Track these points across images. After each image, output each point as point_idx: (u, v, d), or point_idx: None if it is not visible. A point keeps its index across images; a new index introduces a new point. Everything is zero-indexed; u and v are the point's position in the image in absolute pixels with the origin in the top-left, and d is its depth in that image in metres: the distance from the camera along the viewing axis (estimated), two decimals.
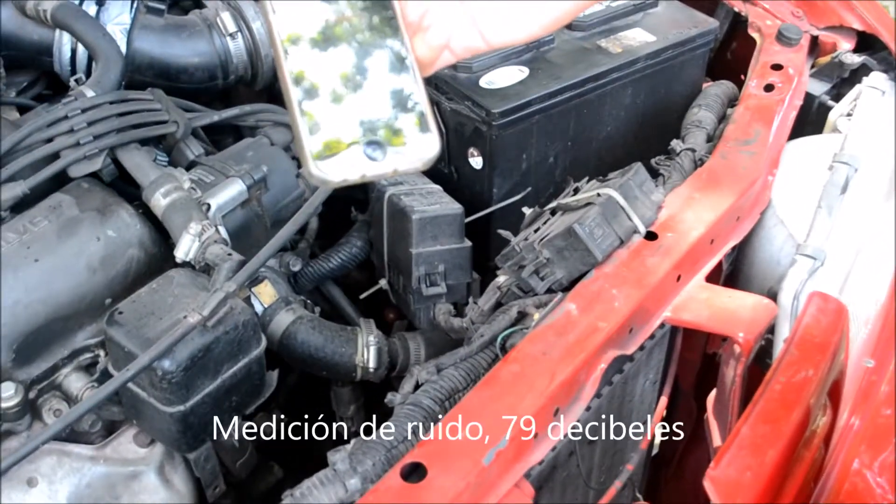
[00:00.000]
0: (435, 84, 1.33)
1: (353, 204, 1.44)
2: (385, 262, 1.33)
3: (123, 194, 1.13)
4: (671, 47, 1.37)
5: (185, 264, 1.05)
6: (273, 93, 1.52)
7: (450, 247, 1.24)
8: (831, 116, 1.38)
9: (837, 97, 1.42)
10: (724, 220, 1.13)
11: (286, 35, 0.59)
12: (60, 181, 1.11)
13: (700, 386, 1.38)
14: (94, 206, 1.08)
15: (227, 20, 1.39)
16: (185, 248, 1.04)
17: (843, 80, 1.43)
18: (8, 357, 0.97)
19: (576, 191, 1.17)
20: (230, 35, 1.39)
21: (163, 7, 1.40)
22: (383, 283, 1.35)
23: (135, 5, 1.38)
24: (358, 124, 0.58)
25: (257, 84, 1.46)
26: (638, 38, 1.38)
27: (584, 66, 1.32)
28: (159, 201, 1.08)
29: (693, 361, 1.32)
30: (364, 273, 1.44)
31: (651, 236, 1.09)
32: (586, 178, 1.18)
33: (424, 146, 0.59)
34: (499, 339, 1.02)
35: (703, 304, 1.07)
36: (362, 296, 1.36)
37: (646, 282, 1.04)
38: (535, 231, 1.11)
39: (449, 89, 1.31)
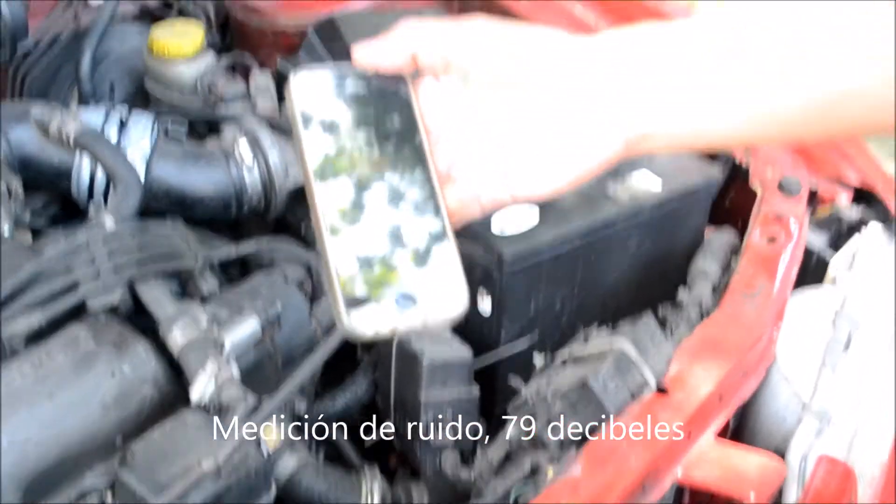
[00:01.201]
0: None
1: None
2: (391, 406, 1.33)
3: (137, 327, 1.13)
4: (677, 197, 1.41)
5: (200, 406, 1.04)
6: (281, 224, 1.54)
7: (459, 393, 1.24)
8: (830, 269, 1.41)
9: (835, 248, 1.46)
10: (732, 376, 1.14)
11: (321, 184, 0.60)
12: (75, 310, 1.11)
13: None
14: (111, 341, 1.07)
15: (244, 151, 1.42)
16: (201, 390, 1.04)
17: (840, 233, 1.47)
18: (15, 498, 0.96)
19: (586, 340, 1.18)
20: (246, 166, 1.42)
21: (183, 133, 1.42)
22: (388, 429, 1.34)
23: (155, 130, 1.40)
24: (390, 277, 0.58)
25: (269, 215, 1.48)
26: (643, 183, 1.41)
27: (592, 212, 1.35)
28: (176, 339, 1.08)
29: None
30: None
31: (662, 391, 1.10)
32: (596, 325, 1.20)
33: (455, 300, 0.59)
34: (511, 494, 1.02)
35: (714, 463, 1.08)
36: (367, 443, 1.35)
37: (658, 439, 1.04)
38: (547, 382, 1.12)
39: (462, 231, 1.33)
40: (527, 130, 0.67)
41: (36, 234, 1.31)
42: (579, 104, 0.65)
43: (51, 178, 1.38)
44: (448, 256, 0.61)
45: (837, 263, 1.41)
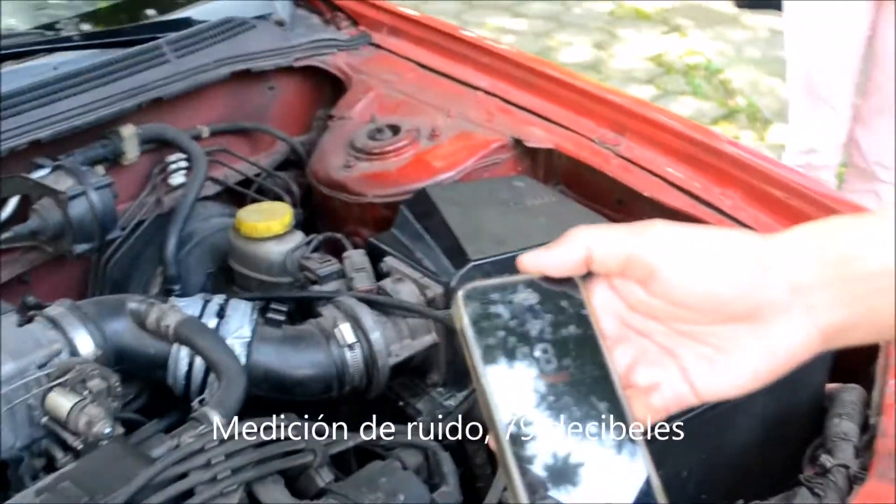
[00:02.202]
0: None
1: None
2: None
3: None
4: None
5: None
6: (381, 400, 1.48)
7: None
8: None
9: None
10: None
11: (500, 397, 0.58)
12: None
13: None
14: None
15: (346, 332, 1.37)
16: None
17: None
18: None
19: None
20: (348, 346, 1.37)
21: (282, 318, 1.38)
22: None
23: (254, 317, 1.36)
24: (580, 483, 0.56)
25: (371, 392, 1.42)
26: None
27: None
28: None
29: None
30: None
31: None
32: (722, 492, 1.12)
33: None
34: None
35: None
36: None
37: None
38: None
39: None
40: (710, 328, 0.64)
41: (129, 425, 1.25)
42: (771, 302, 0.63)
43: (146, 368, 1.35)
44: (637, 465, 0.58)
45: None
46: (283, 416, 1.15)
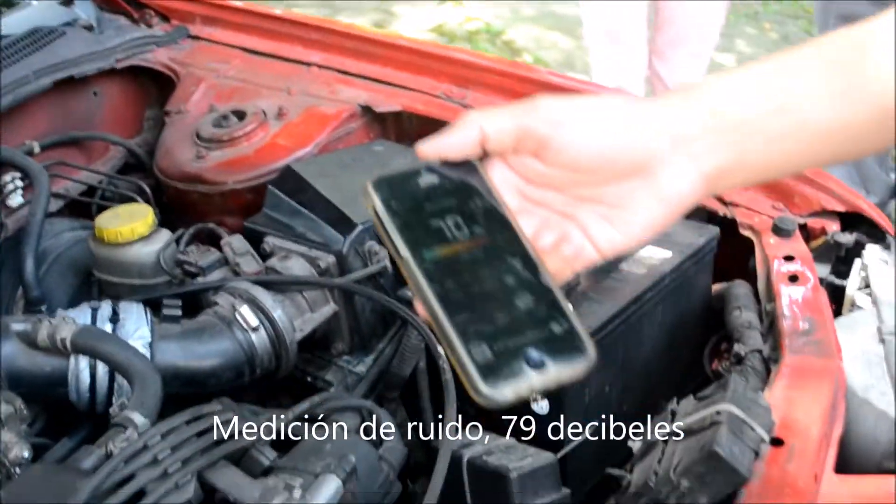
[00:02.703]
0: None
1: (410, 472, 1.37)
2: None
3: None
4: (688, 258, 1.41)
5: None
6: (290, 380, 1.46)
7: (552, 499, 1.18)
8: (849, 293, 1.43)
9: (839, 276, 1.49)
10: (831, 411, 1.13)
11: (425, 273, 0.62)
12: None
13: None
14: None
15: (247, 314, 1.33)
16: None
17: (839, 259, 1.50)
18: None
19: (673, 414, 1.15)
20: (253, 329, 1.33)
21: (179, 314, 1.33)
22: None
23: (149, 317, 1.31)
24: (515, 343, 0.60)
25: (280, 373, 1.39)
26: (654, 253, 1.41)
27: (621, 293, 1.33)
28: None
29: None
30: None
31: (777, 442, 1.07)
32: (675, 401, 1.17)
33: (580, 354, 0.61)
34: None
35: (849, 497, 1.05)
36: None
37: (798, 490, 1.01)
38: (659, 462, 1.07)
39: None
40: (604, 189, 0.69)
41: (36, 450, 1.17)
42: (655, 155, 0.68)
43: (45, 387, 1.25)
44: (565, 316, 0.62)
45: (852, 286, 1.43)
46: (215, 401, 1.11)
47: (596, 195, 0.69)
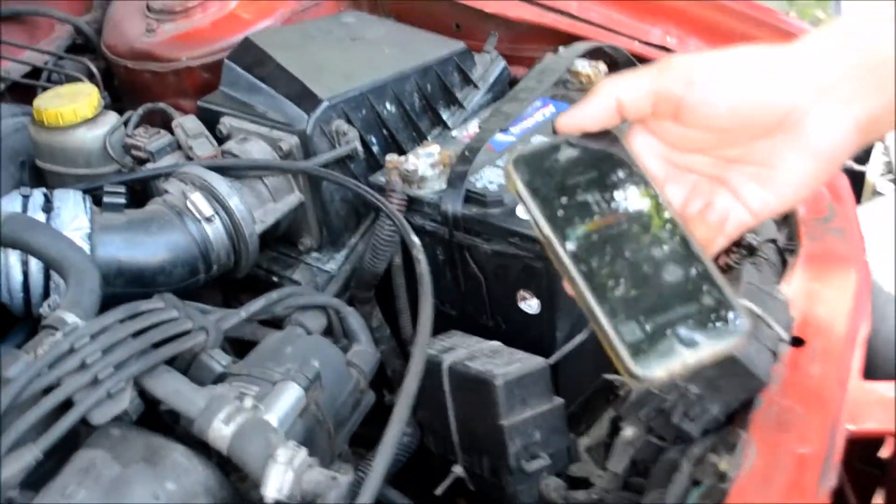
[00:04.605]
0: (465, 227, 1.16)
1: (388, 382, 1.24)
2: (456, 445, 1.12)
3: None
4: None
5: None
6: (253, 281, 1.32)
7: (542, 408, 1.05)
8: (869, 178, 1.29)
9: (858, 161, 1.35)
10: (857, 307, 0.99)
11: (572, 251, 0.60)
12: (76, 433, 0.87)
13: None
14: (139, 457, 0.84)
15: (199, 202, 1.18)
16: (277, 484, 0.81)
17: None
18: None
19: None
20: (207, 219, 1.18)
21: (122, 201, 1.18)
22: (458, 469, 1.14)
23: (88, 205, 1.16)
24: (665, 316, 0.58)
25: (240, 270, 1.25)
26: None
27: None
28: (220, 430, 0.85)
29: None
30: None
31: (798, 342, 0.94)
32: None
33: (735, 327, 0.58)
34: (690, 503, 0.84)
35: (878, 405, 0.92)
36: (438, 491, 1.14)
37: (822, 396, 0.88)
38: None
39: (484, 229, 1.14)
40: (751, 148, 0.65)
41: None
42: (800, 106, 0.62)
43: None
44: (717, 286, 0.59)
45: (873, 172, 1.29)
46: (156, 297, 0.97)
47: (743, 155, 0.65)
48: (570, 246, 0.60)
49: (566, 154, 0.65)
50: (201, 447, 0.88)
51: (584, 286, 0.59)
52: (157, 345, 0.92)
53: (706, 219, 0.65)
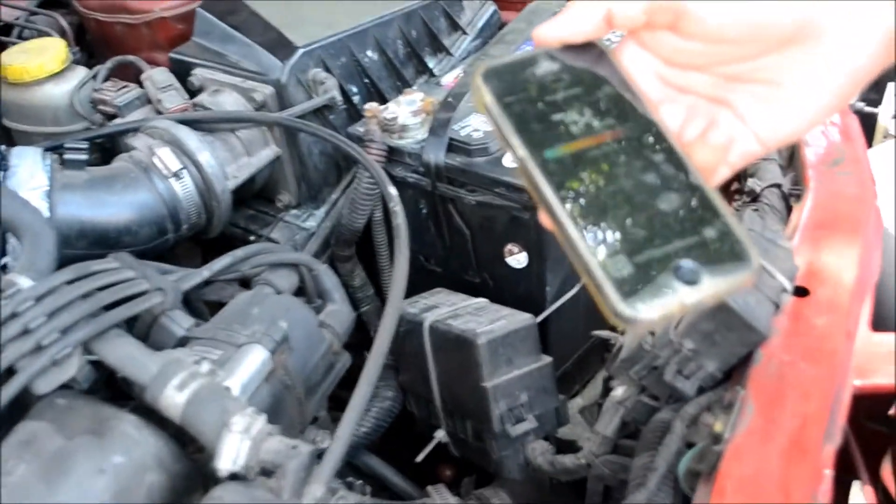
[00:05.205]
0: (449, 178, 1.09)
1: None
2: (438, 409, 1.06)
3: (110, 399, 0.83)
4: None
5: (232, 476, 0.75)
6: (230, 240, 1.25)
7: (529, 368, 0.99)
8: (881, 121, 1.21)
9: (870, 103, 1.27)
10: (866, 254, 0.92)
11: (551, 177, 0.52)
12: (24, 404, 0.81)
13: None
14: (85, 428, 0.78)
15: (166, 157, 1.12)
16: (233, 454, 0.75)
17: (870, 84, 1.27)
18: None
19: None
20: (174, 175, 1.12)
21: (84, 157, 1.11)
22: (441, 434, 1.07)
23: (48, 163, 1.09)
24: (662, 252, 0.50)
25: (213, 229, 1.18)
26: None
27: None
28: (173, 398, 0.79)
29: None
30: None
31: (802, 292, 0.87)
32: None
33: (740, 262, 0.50)
34: (682, 467, 0.77)
35: (888, 359, 0.85)
36: (419, 457, 1.08)
37: (827, 349, 0.81)
38: None
39: (468, 179, 1.07)
40: (759, 62, 0.56)
41: None
42: (818, 9, 0.53)
43: None
44: (719, 217, 0.51)
45: (885, 114, 1.21)
46: (109, 257, 0.91)
47: (750, 72, 0.56)
48: (548, 168, 0.52)
49: (545, 68, 0.56)
50: (158, 417, 0.82)
51: (563, 214, 0.51)
52: (109, 307, 0.85)
53: (709, 140, 0.56)
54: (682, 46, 0.56)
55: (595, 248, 0.49)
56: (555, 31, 0.57)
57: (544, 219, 0.52)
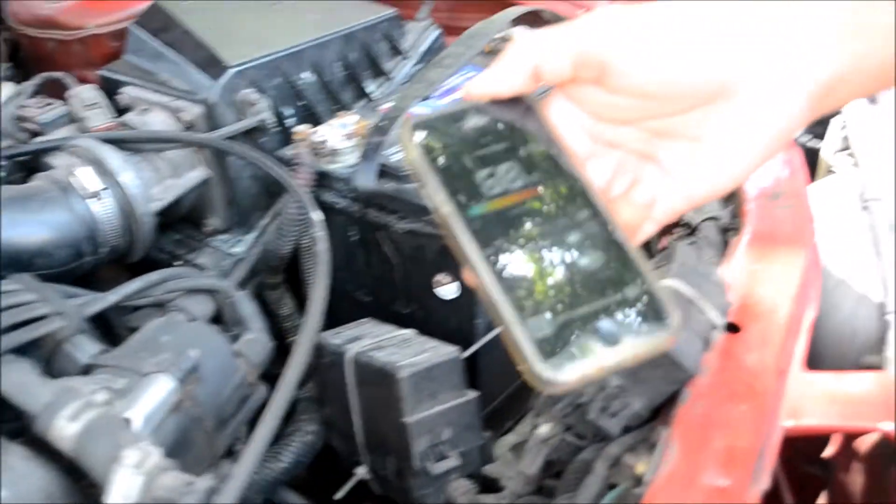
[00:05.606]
0: (379, 204, 1.05)
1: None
2: (361, 445, 1.02)
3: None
4: None
5: None
6: (155, 265, 1.20)
7: (453, 403, 0.95)
8: (824, 156, 1.19)
9: (816, 136, 1.25)
10: (803, 291, 0.89)
11: (473, 233, 0.50)
12: None
13: None
14: None
15: (86, 177, 1.07)
16: (123, 489, 0.70)
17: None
18: None
19: None
20: (94, 195, 1.07)
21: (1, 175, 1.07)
22: (362, 471, 1.03)
23: None
24: (582, 313, 0.49)
25: (135, 254, 1.14)
26: None
27: None
28: (65, 429, 0.74)
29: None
30: None
31: (733, 329, 0.84)
32: None
33: (661, 323, 0.49)
34: None
35: (821, 399, 0.82)
36: (338, 495, 1.03)
37: (758, 388, 0.78)
38: None
39: (398, 206, 1.04)
40: (685, 118, 0.55)
41: None
42: (745, 67, 0.52)
43: None
44: (641, 276, 0.51)
45: (829, 148, 1.19)
46: (11, 278, 0.86)
47: (675, 128, 0.56)
48: (472, 224, 0.51)
49: (473, 122, 0.56)
50: (51, 449, 0.77)
51: (485, 272, 0.50)
52: (5, 331, 0.81)
53: (632, 199, 0.56)
54: (609, 101, 0.56)
55: (516, 308, 0.48)
56: (483, 87, 0.56)
57: (467, 276, 0.51)
